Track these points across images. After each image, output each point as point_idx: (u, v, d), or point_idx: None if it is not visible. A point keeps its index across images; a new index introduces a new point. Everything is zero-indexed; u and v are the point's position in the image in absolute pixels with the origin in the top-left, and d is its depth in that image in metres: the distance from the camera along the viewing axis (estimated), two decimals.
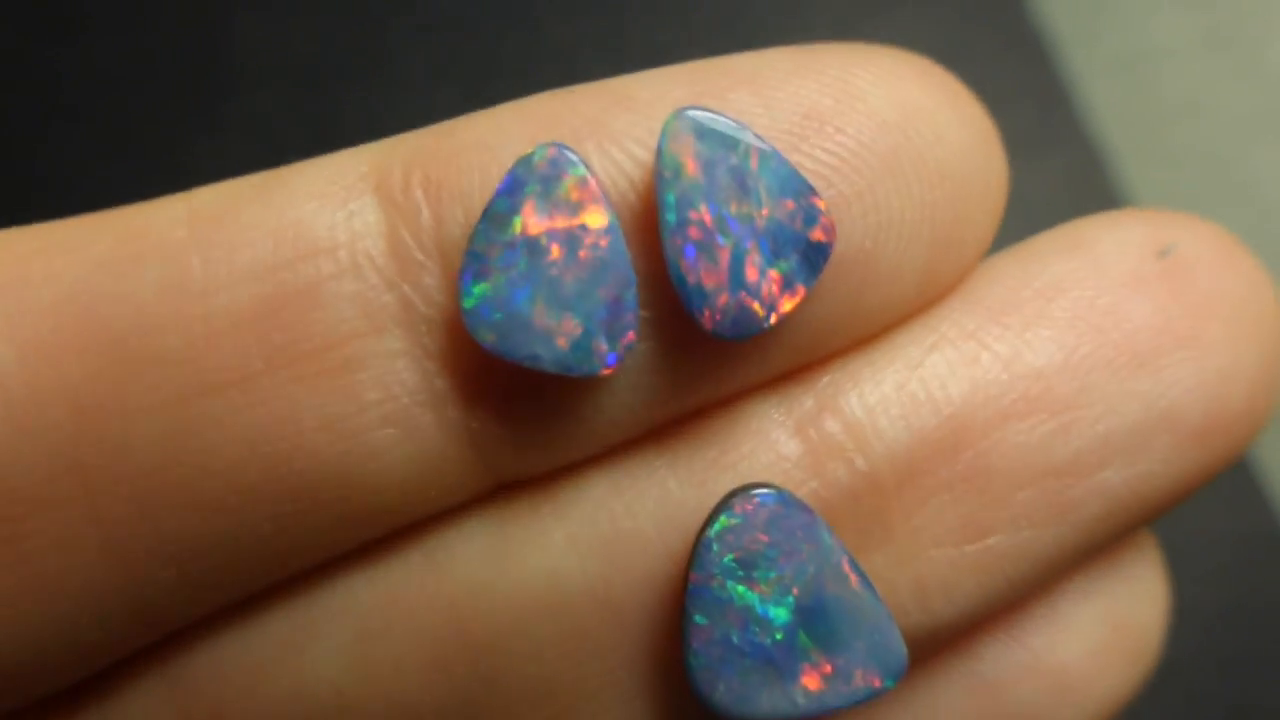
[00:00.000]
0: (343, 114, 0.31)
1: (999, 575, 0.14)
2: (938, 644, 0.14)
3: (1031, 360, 0.14)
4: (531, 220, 0.12)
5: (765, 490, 0.13)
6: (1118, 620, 0.16)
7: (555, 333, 0.12)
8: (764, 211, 0.12)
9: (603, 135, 0.13)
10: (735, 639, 0.13)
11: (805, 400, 0.14)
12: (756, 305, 0.12)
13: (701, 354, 0.13)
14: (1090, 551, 0.14)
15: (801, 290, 0.13)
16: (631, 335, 0.12)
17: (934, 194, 0.13)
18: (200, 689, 0.13)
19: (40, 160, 0.30)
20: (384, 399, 0.12)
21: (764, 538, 0.13)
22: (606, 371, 0.12)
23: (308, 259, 0.12)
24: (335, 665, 0.13)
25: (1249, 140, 0.32)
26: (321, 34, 0.32)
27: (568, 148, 0.12)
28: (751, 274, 0.12)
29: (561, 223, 0.12)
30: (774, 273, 0.12)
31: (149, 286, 0.12)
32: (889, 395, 0.13)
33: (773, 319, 0.13)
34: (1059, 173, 0.32)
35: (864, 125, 0.13)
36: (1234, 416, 0.14)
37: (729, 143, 0.12)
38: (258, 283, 0.12)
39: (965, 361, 0.14)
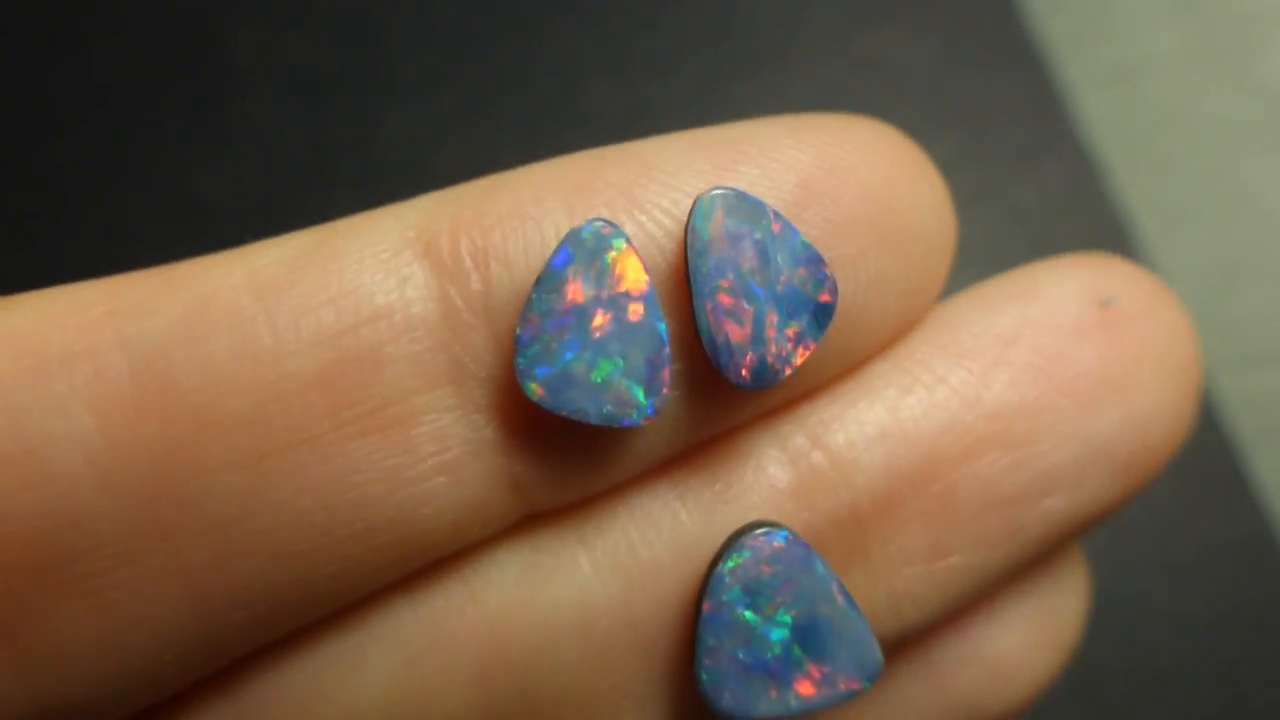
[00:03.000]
0: (342, 122, 0.31)
1: (958, 587, 0.16)
2: (904, 645, 0.16)
3: (992, 402, 0.16)
4: (580, 287, 0.14)
5: (770, 529, 0.15)
6: (1046, 613, 0.18)
7: (600, 389, 0.14)
8: (782, 278, 0.14)
9: (632, 205, 0.14)
10: (741, 655, 0.15)
11: (797, 437, 0.15)
12: (774, 361, 0.14)
13: (716, 398, 0.15)
14: (1031, 564, 0.17)
15: (811, 346, 0.14)
16: (665, 391, 0.14)
17: (908, 252, 0.15)
18: (262, 712, 0.14)
19: (41, 166, 0.31)
20: (438, 450, 0.14)
21: (768, 570, 0.15)
22: (646, 422, 0.14)
23: (367, 324, 0.13)
24: (386, 686, 0.14)
25: (1241, 150, 0.33)
26: (321, 43, 0.32)
27: (612, 223, 0.14)
28: (770, 333, 0.14)
29: (606, 290, 0.14)
30: (789, 331, 0.14)
31: (221, 352, 0.13)
32: (870, 434, 0.15)
33: (787, 371, 0.14)
34: (1052, 182, 0.32)
35: (854, 196, 0.15)
36: (1154, 449, 0.16)
37: (752, 218, 0.14)
38: (322, 348, 0.13)
39: (936, 403, 0.16)
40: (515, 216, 0.14)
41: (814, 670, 0.15)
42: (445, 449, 0.14)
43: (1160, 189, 0.32)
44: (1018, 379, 0.16)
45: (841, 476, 0.15)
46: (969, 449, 0.15)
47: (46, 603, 0.13)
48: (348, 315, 0.13)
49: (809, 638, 0.15)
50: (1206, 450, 0.30)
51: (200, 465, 0.13)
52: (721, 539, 0.15)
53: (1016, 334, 0.16)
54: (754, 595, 0.15)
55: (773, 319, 0.14)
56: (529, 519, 0.15)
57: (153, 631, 0.13)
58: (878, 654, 0.15)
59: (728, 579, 0.14)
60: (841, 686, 0.15)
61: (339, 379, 0.13)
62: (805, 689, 0.15)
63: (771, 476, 0.15)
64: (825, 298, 0.14)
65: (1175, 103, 0.33)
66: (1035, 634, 0.18)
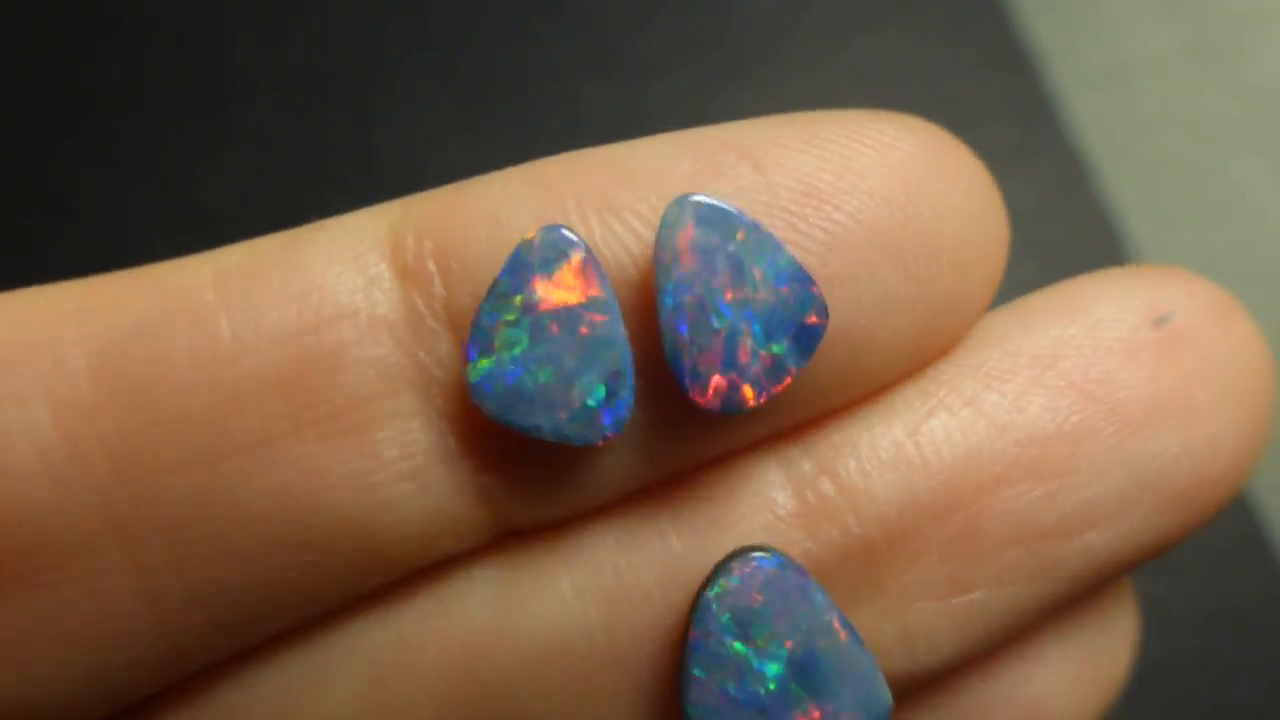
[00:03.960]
0: (340, 127, 0.32)
1: (980, 625, 0.14)
2: (921, 686, 0.15)
3: (1025, 427, 0.14)
4: (533, 299, 0.13)
5: (762, 554, 0.13)
6: (1089, 655, 0.16)
7: (556, 406, 0.13)
8: (759, 295, 0.13)
9: (605, 209, 0.13)
10: (731, 690, 0.13)
11: (803, 462, 0.14)
12: (747, 388, 0.13)
13: (697, 420, 0.14)
14: (1071, 603, 0.15)
15: (792, 372, 0.13)
16: (625, 411, 0.13)
17: (930, 270, 0.14)
18: None
19: (41, 173, 0.31)
20: (401, 456, 0.13)
21: (759, 598, 0.13)
22: (603, 443, 0.13)
23: (330, 324, 0.13)
24: (350, 707, 0.14)
25: (1230, 150, 0.33)
26: (319, 48, 0.32)
27: (568, 229, 0.13)
28: (744, 356, 0.13)
29: (561, 301, 0.13)
30: (765, 354, 0.13)
31: (180, 349, 0.13)
32: (885, 460, 0.14)
33: (763, 399, 0.13)
34: (1043, 184, 0.32)
35: (863, 203, 0.13)
36: (1215, 480, 0.15)
37: (726, 229, 0.13)
38: (283, 347, 0.13)
39: (961, 428, 0.14)
40: (482, 219, 0.13)
41: (813, 709, 0.13)
42: (409, 455, 0.13)
43: (1150, 189, 0.33)
44: (1055, 403, 0.14)
45: (850, 505, 0.14)
46: (997, 478, 0.14)
47: None
48: (310, 314, 0.13)
49: (807, 673, 0.14)
50: None
51: (155, 463, 0.13)
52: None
53: (1056, 354, 0.14)
54: (745, 625, 0.13)
55: (747, 341, 0.13)
56: (510, 537, 0.14)
57: (109, 632, 0.13)
58: (886, 694, 0.14)
59: (715, 606, 0.13)
60: None
61: (299, 379, 0.13)
62: None
63: (773, 503, 0.14)
64: (812, 319, 0.13)
65: (1165, 103, 0.33)
66: (1076, 677, 0.16)
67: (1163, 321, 0.15)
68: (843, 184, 0.13)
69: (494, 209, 0.13)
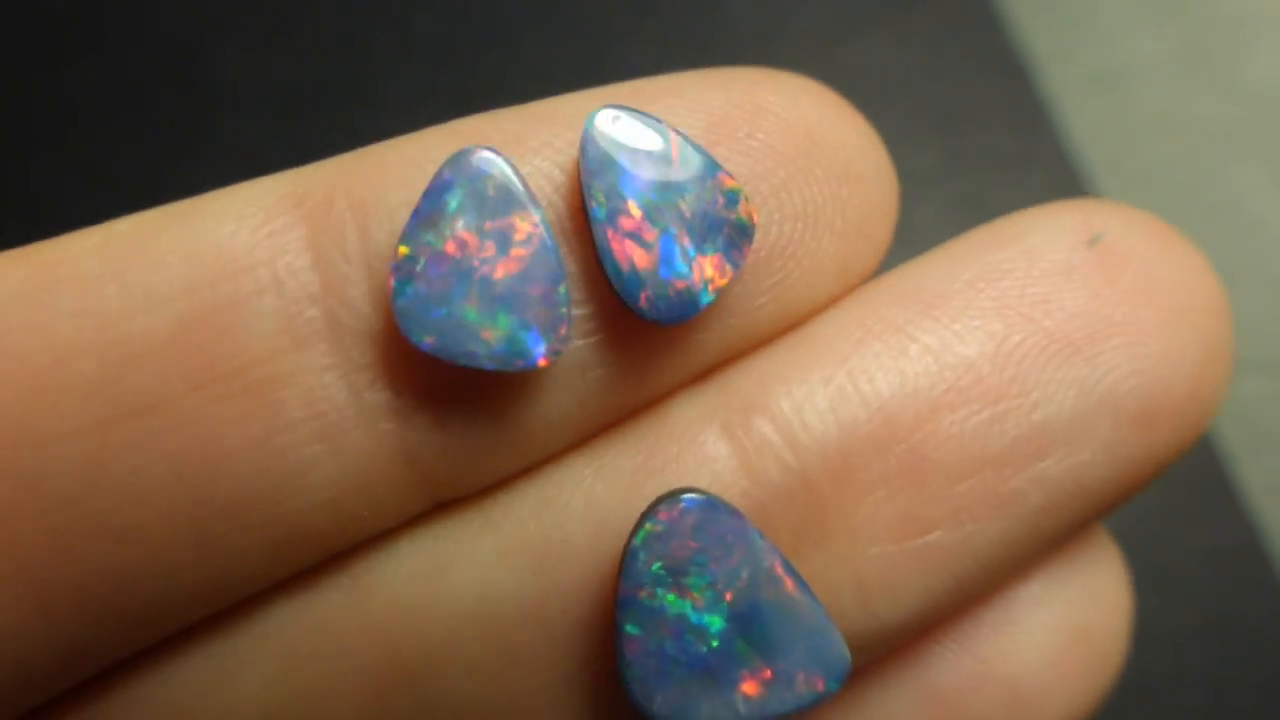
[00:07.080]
0: (324, 136, 0.32)
1: (944, 573, 0.13)
2: (886, 647, 0.14)
3: (961, 351, 0.14)
4: (461, 219, 0.12)
5: (691, 495, 0.13)
6: (1076, 627, 0.15)
7: (489, 329, 0.12)
8: (689, 196, 0.13)
9: (524, 147, 0.13)
10: (669, 648, 0.13)
11: (732, 400, 0.13)
12: (688, 286, 0.13)
13: (634, 349, 0.13)
14: (1039, 546, 0.14)
15: (730, 271, 0.13)
16: (564, 329, 0.12)
17: (840, 190, 0.14)
18: None
19: (24, 182, 0.31)
20: (310, 415, 0.12)
21: (692, 543, 0.12)
22: (542, 363, 0.12)
23: (226, 278, 0.12)
24: (263, 696, 0.13)
25: (1224, 156, 0.33)
26: (304, 59, 0.32)
27: (494, 149, 0.12)
28: (681, 257, 0.13)
29: (491, 221, 0.12)
30: (701, 256, 0.13)
31: (63, 315, 0.12)
32: (816, 391, 0.13)
33: (706, 298, 0.13)
34: (1036, 189, 0.32)
35: (772, 130, 0.13)
36: (1177, 402, 0.14)
37: (650, 135, 0.13)
38: (175, 304, 0.12)
39: (893, 354, 0.13)
40: (398, 165, 0.12)
41: (762, 667, 0.13)
42: (319, 414, 0.12)
43: (1145, 195, 0.32)
44: (991, 324, 0.14)
45: (786, 440, 0.13)
46: (936, 403, 0.13)
47: None
48: (204, 270, 0.12)
49: (752, 627, 0.12)
50: (1193, 457, 0.30)
51: (38, 435, 0.11)
52: None
53: (991, 278, 0.14)
54: (678, 575, 0.12)
55: (684, 241, 0.13)
56: (436, 510, 0.13)
57: None
58: (842, 648, 0.13)
59: (643, 555, 0.12)
60: (801, 687, 0.13)
61: (193, 337, 0.12)
62: (752, 689, 0.13)
63: (702, 443, 0.13)
64: (741, 215, 0.13)
65: (1159, 109, 0.33)
66: (1063, 653, 0.15)
67: (1095, 242, 0.14)
68: (751, 116, 0.13)
69: (410, 155, 0.13)
